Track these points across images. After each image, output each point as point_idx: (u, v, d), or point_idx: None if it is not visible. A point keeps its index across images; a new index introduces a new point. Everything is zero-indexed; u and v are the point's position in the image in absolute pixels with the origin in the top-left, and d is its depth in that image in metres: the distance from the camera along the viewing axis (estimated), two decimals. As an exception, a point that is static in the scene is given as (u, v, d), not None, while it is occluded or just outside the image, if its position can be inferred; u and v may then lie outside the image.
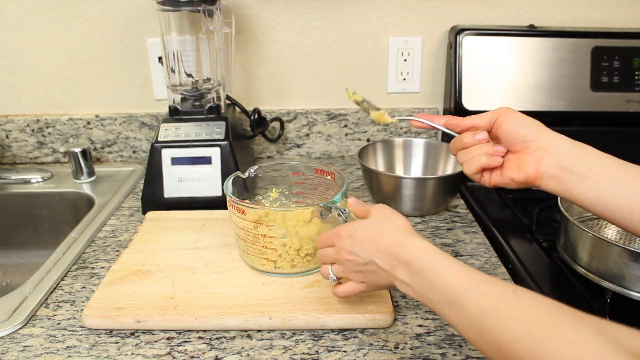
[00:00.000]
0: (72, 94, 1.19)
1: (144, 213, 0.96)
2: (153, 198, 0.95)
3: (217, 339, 0.65)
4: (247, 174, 0.81)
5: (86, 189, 1.07)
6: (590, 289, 0.74)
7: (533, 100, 1.10)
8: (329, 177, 0.79)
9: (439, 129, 0.68)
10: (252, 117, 1.15)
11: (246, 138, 1.18)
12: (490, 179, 0.63)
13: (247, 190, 0.82)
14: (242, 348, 0.63)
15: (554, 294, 0.73)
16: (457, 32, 1.10)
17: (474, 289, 0.46)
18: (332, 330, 0.66)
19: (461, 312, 0.46)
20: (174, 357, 0.62)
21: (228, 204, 0.74)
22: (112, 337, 0.65)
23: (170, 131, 0.99)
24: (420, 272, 0.51)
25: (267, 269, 0.74)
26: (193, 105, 1.04)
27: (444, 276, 0.49)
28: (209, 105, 1.02)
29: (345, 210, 0.67)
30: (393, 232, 0.56)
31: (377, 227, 0.58)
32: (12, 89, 1.18)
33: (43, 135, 1.20)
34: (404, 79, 1.22)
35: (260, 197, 0.84)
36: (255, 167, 0.82)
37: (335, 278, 0.63)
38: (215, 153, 0.97)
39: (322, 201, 0.74)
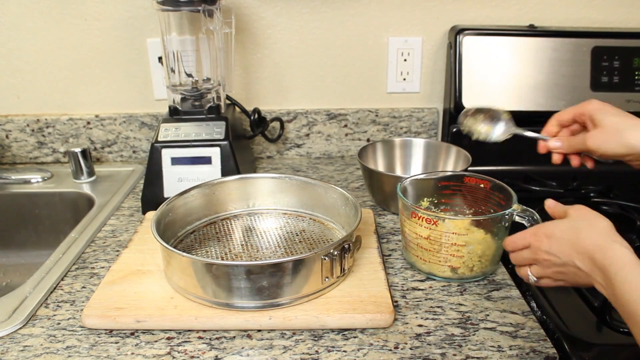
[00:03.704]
0: (72, 94, 1.20)
1: (144, 213, 0.96)
2: (153, 198, 0.95)
3: (217, 339, 0.65)
4: (402, 184, 0.82)
5: (86, 189, 1.07)
6: (591, 288, 0.73)
7: (533, 100, 1.10)
8: (482, 185, 0.79)
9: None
10: (252, 117, 1.15)
11: (246, 138, 1.18)
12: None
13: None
14: (242, 348, 0.63)
15: (554, 294, 0.73)
16: (457, 32, 1.10)
17: None
18: (332, 330, 0.66)
19: (637, 325, 0.47)
20: (173, 357, 0.62)
21: (410, 214, 0.75)
22: (112, 337, 0.65)
23: (170, 131, 0.99)
24: (613, 278, 0.50)
25: (446, 275, 0.75)
26: (193, 105, 1.04)
27: (634, 288, 0.48)
28: (209, 105, 1.02)
29: (534, 216, 0.69)
30: (593, 234, 0.54)
31: (576, 228, 0.56)
32: (12, 89, 1.18)
33: (43, 135, 1.20)
34: (404, 79, 1.22)
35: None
36: (409, 178, 0.83)
37: (535, 279, 0.61)
38: (215, 153, 0.97)
39: (479, 208, 0.79)
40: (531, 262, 0.61)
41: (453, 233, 0.72)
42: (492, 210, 0.79)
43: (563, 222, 0.58)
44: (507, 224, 0.73)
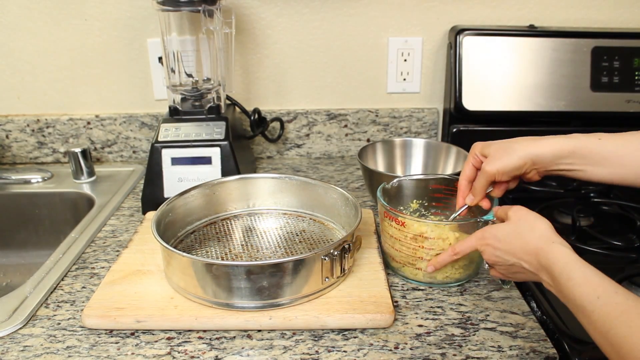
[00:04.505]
0: (72, 94, 1.20)
1: (144, 213, 0.96)
2: (153, 198, 0.95)
3: (217, 339, 0.65)
4: (390, 184, 0.82)
5: (86, 189, 1.07)
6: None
7: (533, 100, 1.10)
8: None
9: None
10: (252, 117, 1.15)
11: (246, 138, 1.18)
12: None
13: (394, 200, 0.83)
14: (242, 348, 0.63)
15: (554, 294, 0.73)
16: (457, 32, 1.10)
17: (607, 296, 0.49)
18: (332, 330, 0.66)
19: (590, 316, 0.49)
20: (174, 357, 0.62)
21: (382, 214, 0.75)
22: (112, 337, 0.65)
23: (170, 131, 0.99)
24: (558, 277, 0.53)
25: (418, 278, 0.75)
26: (193, 106, 1.04)
27: (578, 283, 0.51)
28: (209, 105, 1.02)
29: None
30: (535, 237, 0.58)
31: (518, 232, 0.60)
32: (12, 89, 1.18)
33: (43, 135, 1.20)
34: (404, 79, 1.22)
35: (401, 208, 0.84)
36: (399, 178, 0.84)
37: (487, 266, 0.67)
38: (215, 153, 0.97)
39: (468, 213, 0.78)
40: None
41: (420, 235, 0.71)
42: (477, 217, 0.78)
43: (504, 226, 0.62)
44: None
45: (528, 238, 0.58)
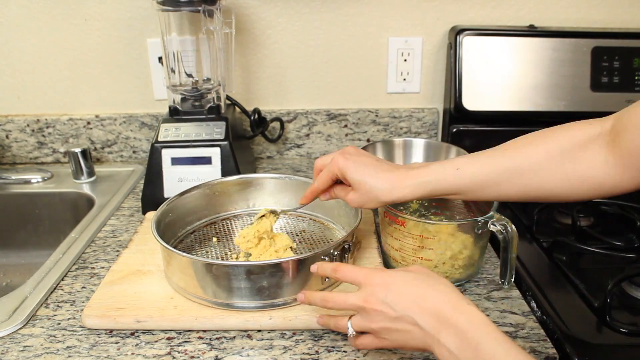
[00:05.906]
0: (72, 94, 1.20)
1: (144, 213, 0.96)
2: (153, 198, 0.95)
3: (217, 339, 0.65)
4: None
5: (86, 189, 1.07)
6: (591, 288, 0.73)
7: (533, 100, 1.10)
8: None
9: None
10: (252, 117, 1.15)
11: (246, 138, 1.18)
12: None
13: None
14: (242, 348, 0.63)
15: (554, 294, 0.73)
16: (457, 32, 1.10)
17: None
18: (332, 331, 0.66)
19: None
20: (174, 357, 0.62)
21: (382, 214, 0.75)
22: (112, 337, 0.65)
23: (170, 131, 0.99)
24: (473, 345, 0.46)
25: None
26: (193, 106, 1.04)
27: (499, 358, 0.45)
28: (209, 105, 1.03)
29: (506, 227, 0.68)
30: (442, 292, 0.51)
31: (422, 282, 0.52)
32: (12, 89, 1.18)
33: (43, 135, 1.20)
34: (404, 79, 1.22)
35: (401, 208, 0.84)
36: None
37: (354, 333, 0.56)
38: (215, 153, 0.97)
39: (462, 212, 0.77)
40: (355, 310, 0.55)
41: (419, 235, 0.71)
42: (477, 217, 0.78)
43: (405, 273, 0.54)
44: (480, 231, 0.71)
45: (434, 290, 0.51)
